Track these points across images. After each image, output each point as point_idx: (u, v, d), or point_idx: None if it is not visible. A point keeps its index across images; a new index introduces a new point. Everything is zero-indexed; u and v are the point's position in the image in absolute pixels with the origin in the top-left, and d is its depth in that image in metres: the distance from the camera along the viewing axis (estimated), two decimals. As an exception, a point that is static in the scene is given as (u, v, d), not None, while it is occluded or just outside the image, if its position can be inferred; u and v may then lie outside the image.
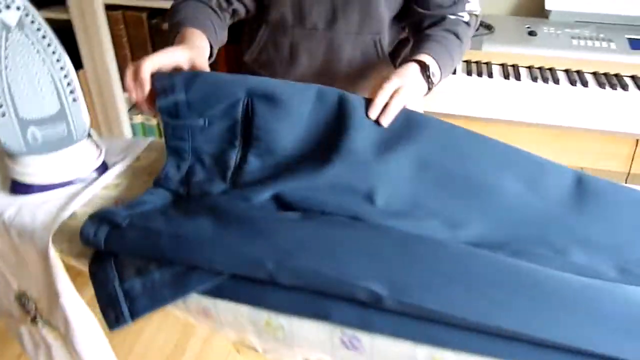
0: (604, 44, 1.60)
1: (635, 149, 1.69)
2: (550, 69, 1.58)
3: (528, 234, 0.74)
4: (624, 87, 1.49)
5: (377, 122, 0.82)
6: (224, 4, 1.02)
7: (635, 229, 0.74)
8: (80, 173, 0.89)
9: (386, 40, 1.07)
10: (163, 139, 0.86)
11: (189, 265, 0.68)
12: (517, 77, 1.54)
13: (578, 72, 1.57)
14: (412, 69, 0.90)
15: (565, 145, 1.73)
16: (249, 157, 0.82)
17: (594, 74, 1.57)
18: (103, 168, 0.92)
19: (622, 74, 1.55)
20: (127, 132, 2.06)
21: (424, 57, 0.92)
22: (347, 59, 1.06)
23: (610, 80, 1.52)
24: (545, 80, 1.52)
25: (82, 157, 0.89)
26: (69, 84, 0.84)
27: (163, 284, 0.68)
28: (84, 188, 0.88)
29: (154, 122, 2.11)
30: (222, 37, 1.00)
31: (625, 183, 0.98)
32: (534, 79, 1.52)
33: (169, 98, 0.82)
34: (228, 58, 1.86)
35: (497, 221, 0.75)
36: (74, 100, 0.85)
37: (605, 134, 1.60)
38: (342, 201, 0.76)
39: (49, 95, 0.83)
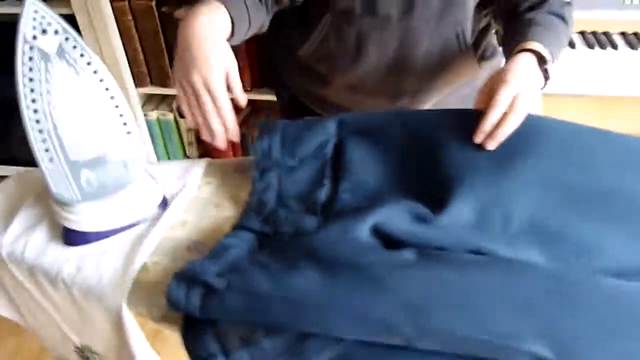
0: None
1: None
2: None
3: None
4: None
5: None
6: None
7: None
8: (141, 214, 0.78)
9: (469, 29, 0.94)
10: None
11: (303, 332, 0.58)
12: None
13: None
14: (528, 63, 0.75)
15: None
16: (340, 192, 0.75)
17: None
18: (164, 204, 0.81)
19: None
20: (143, 129, 1.93)
21: (536, 46, 0.78)
22: (424, 52, 0.93)
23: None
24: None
25: (141, 195, 0.77)
26: (121, 115, 0.72)
27: (276, 354, 0.58)
28: (147, 230, 0.77)
29: (169, 116, 1.98)
30: (257, 21, 0.84)
31: None
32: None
33: (264, 140, 0.80)
34: (249, 53, 1.72)
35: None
36: (128, 133, 0.73)
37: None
38: (458, 234, 0.66)
39: (101, 131, 0.71)
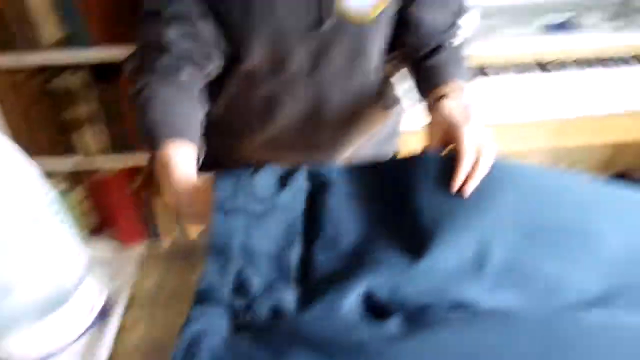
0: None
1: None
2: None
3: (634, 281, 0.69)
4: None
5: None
6: (198, 73, 0.84)
7: None
8: (82, 327, 0.69)
9: (376, 79, 0.97)
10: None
11: None
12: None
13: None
14: (463, 103, 0.79)
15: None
16: (314, 251, 0.70)
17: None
18: (104, 310, 0.72)
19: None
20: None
21: (459, 85, 0.83)
22: (335, 105, 0.94)
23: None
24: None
25: (79, 308, 0.69)
26: (64, 230, 0.63)
27: None
28: (93, 342, 0.68)
29: (61, 186, 1.81)
30: (201, 125, 0.84)
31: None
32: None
33: (229, 180, 0.71)
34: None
35: (607, 270, 0.69)
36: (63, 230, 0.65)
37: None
38: (439, 286, 0.65)
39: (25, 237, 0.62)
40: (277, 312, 0.65)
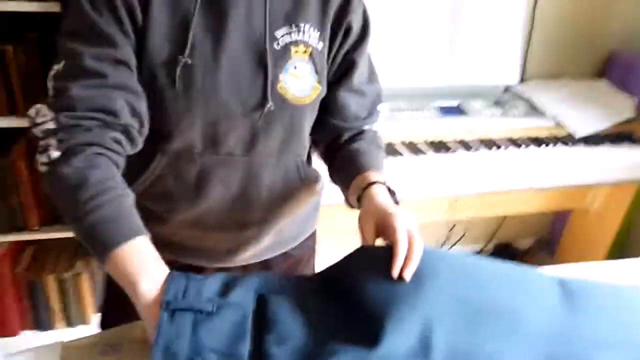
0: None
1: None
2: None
3: (559, 351, 0.74)
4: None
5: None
6: (129, 152, 0.80)
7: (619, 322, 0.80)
8: None
9: (305, 159, 0.99)
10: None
11: None
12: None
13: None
14: (385, 193, 0.84)
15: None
16: (267, 346, 0.67)
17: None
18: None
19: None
20: None
21: (379, 177, 0.87)
22: (267, 185, 0.93)
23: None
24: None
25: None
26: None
27: None
28: None
29: None
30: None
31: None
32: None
33: (181, 280, 0.69)
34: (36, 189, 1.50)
35: (537, 346, 0.73)
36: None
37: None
38: None
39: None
40: None
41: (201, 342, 0.65)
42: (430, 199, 1.78)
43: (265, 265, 1.05)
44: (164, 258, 0.71)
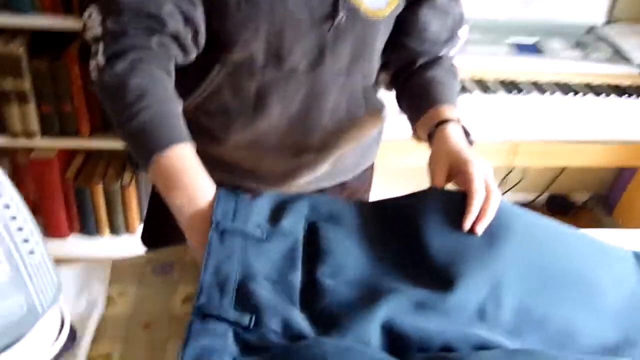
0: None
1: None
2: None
3: (637, 326, 0.67)
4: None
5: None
6: (181, 61, 0.74)
7: None
8: (47, 355, 0.57)
9: (372, 81, 0.89)
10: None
11: None
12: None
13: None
14: (460, 134, 0.76)
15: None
16: (320, 276, 0.63)
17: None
18: (72, 338, 0.60)
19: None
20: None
21: (453, 113, 0.79)
22: (330, 107, 0.86)
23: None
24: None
25: (48, 333, 0.57)
26: (25, 241, 0.51)
27: None
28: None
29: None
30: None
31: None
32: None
33: (229, 199, 0.65)
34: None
35: (612, 318, 0.67)
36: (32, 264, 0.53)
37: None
38: (461, 326, 0.60)
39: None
40: (289, 330, 0.56)
41: (251, 266, 0.61)
42: (491, 141, 1.67)
43: (319, 194, 0.99)
44: (215, 178, 0.68)
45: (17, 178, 1.72)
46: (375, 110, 0.92)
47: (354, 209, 0.71)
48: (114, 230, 1.78)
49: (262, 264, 0.62)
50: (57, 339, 0.58)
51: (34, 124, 1.52)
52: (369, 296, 0.61)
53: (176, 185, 0.64)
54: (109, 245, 1.77)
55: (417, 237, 0.67)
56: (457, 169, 0.71)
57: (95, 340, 0.61)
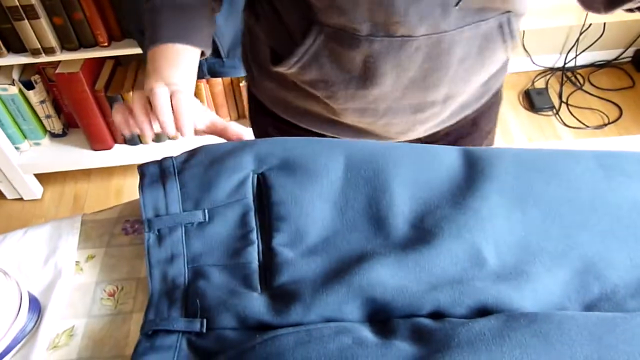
0: None
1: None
2: None
3: None
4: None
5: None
6: None
7: None
8: (6, 337, 0.55)
9: (518, 13, 0.69)
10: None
11: None
12: None
13: None
14: None
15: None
16: (276, 248, 0.55)
17: None
18: (35, 310, 0.58)
19: None
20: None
21: None
22: (458, 58, 0.68)
23: None
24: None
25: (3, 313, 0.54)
26: None
27: None
28: (22, 357, 0.55)
29: (13, 89, 1.60)
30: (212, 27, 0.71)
31: None
32: None
33: (154, 188, 0.59)
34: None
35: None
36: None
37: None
38: (449, 283, 0.51)
39: None
40: (245, 322, 0.50)
41: (200, 259, 0.54)
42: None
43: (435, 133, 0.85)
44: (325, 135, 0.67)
45: (52, 94, 1.71)
46: (513, 42, 0.72)
47: (310, 146, 0.60)
48: (156, 136, 1.76)
49: (209, 251, 0.56)
50: (15, 318, 0.55)
51: (51, 39, 1.46)
52: (337, 264, 0.52)
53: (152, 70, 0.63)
54: (153, 152, 1.77)
55: (384, 187, 0.56)
56: None
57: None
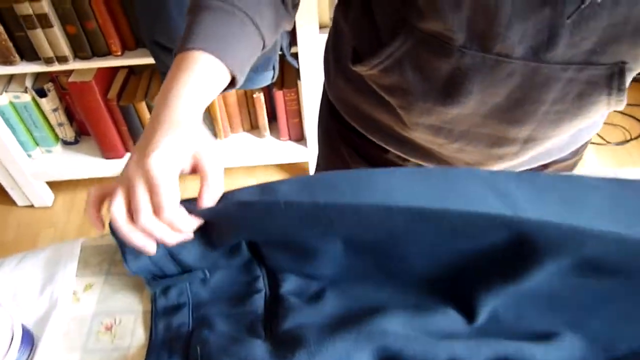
0: None
1: None
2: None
3: None
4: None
5: None
6: None
7: None
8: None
9: (635, 63, 0.58)
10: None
11: None
12: None
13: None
14: None
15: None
16: (284, 296, 0.52)
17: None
18: (28, 344, 0.55)
19: None
20: (-5, 122, 1.55)
21: None
22: (552, 99, 0.61)
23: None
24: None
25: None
26: None
27: None
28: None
29: (26, 97, 1.59)
30: (268, 35, 0.61)
31: None
32: None
33: (141, 260, 0.54)
34: (111, 7, 1.34)
35: None
36: None
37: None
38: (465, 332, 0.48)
39: None
40: None
41: (205, 308, 0.53)
42: None
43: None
44: (390, 152, 0.67)
45: (65, 102, 1.70)
46: (621, 95, 0.61)
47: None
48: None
49: (215, 300, 0.55)
50: (5, 355, 0.53)
51: (64, 48, 1.45)
52: (345, 310, 0.49)
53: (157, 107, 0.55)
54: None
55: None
56: None
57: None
